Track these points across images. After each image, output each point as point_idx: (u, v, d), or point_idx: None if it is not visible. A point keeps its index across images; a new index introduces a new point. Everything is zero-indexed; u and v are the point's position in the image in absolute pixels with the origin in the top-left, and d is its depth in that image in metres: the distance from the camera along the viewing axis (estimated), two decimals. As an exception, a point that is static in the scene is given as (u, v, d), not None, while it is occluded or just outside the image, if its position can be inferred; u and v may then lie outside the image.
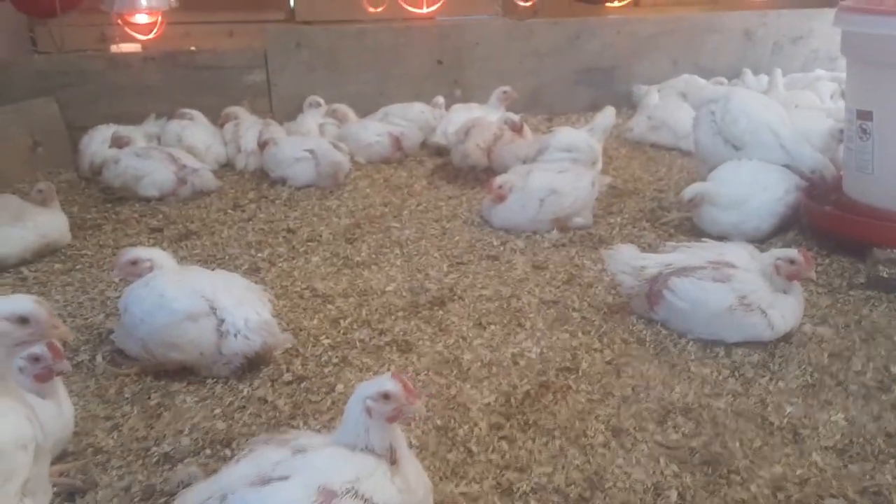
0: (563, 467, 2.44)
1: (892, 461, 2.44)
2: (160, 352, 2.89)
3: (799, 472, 2.39)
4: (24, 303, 1.84)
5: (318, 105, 6.45)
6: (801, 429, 2.62)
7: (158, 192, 5.04)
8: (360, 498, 1.84)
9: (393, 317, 3.48)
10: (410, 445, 2.29)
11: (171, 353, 2.89)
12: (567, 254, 4.19)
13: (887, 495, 2.27)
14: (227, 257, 4.19)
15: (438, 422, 2.68)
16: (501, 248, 4.28)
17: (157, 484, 2.26)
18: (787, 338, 3.18)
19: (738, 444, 2.54)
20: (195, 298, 2.90)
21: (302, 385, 2.91)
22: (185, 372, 2.95)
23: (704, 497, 2.29)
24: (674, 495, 2.30)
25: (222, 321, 2.87)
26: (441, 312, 3.52)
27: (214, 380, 2.92)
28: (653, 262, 3.39)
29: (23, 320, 1.81)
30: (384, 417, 1.95)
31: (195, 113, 6.08)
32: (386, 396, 1.94)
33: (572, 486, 2.34)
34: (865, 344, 3.16)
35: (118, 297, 3.16)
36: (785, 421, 2.66)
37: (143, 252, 3.19)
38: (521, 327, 3.39)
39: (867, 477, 2.37)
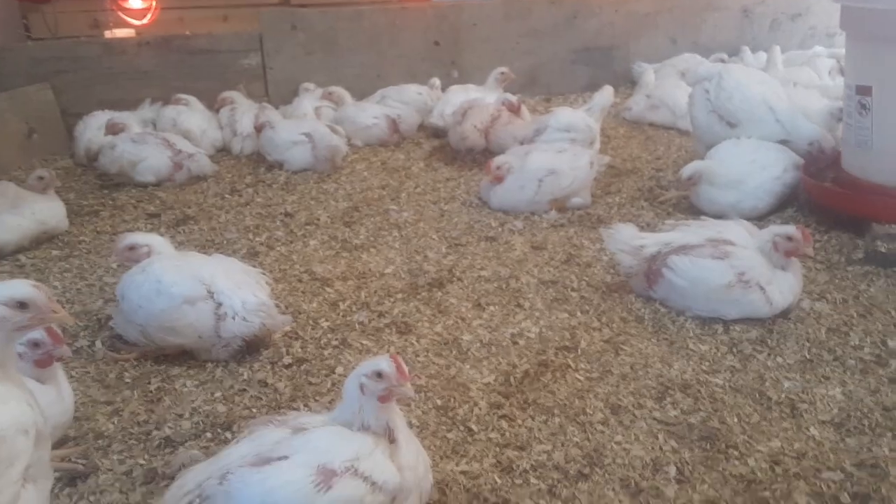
0: (563, 444, 2.45)
1: (889, 434, 2.46)
2: (159, 336, 2.90)
3: (796, 445, 2.40)
4: (22, 288, 1.84)
5: (312, 90, 6.42)
6: (799, 403, 2.63)
7: (155, 178, 5.03)
8: (359, 477, 1.86)
9: (392, 299, 3.48)
10: (411, 425, 2.30)
11: (170, 337, 2.89)
12: (565, 234, 4.19)
13: (884, 468, 2.28)
14: (224, 242, 4.18)
15: (438, 402, 2.69)
16: (500, 230, 4.28)
17: (159, 467, 2.27)
18: (785, 314, 3.18)
19: (735, 419, 2.56)
20: (193, 283, 2.90)
21: (302, 367, 2.92)
22: (184, 356, 2.96)
23: (703, 472, 2.31)
24: (672, 470, 2.31)
25: (220, 304, 2.87)
26: (440, 294, 3.52)
27: (214, 364, 2.92)
28: (651, 241, 3.39)
29: (22, 305, 1.81)
30: (376, 396, 1.97)
31: (190, 98, 6.05)
32: (379, 375, 1.96)
33: (572, 463, 2.36)
34: (863, 319, 3.16)
35: (116, 283, 3.16)
36: (783, 396, 2.67)
37: (140, 237, 3.19)
38: (520, 307, 3.39)
39: (864, 450, 2.38)
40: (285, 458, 1.86)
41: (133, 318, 2.93)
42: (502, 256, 3.92)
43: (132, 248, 3.12)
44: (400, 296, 3.51)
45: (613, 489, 2.24)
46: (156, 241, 3.17)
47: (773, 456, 2.35)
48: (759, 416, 2.58)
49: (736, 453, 2.38)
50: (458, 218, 4.46)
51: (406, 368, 2.00)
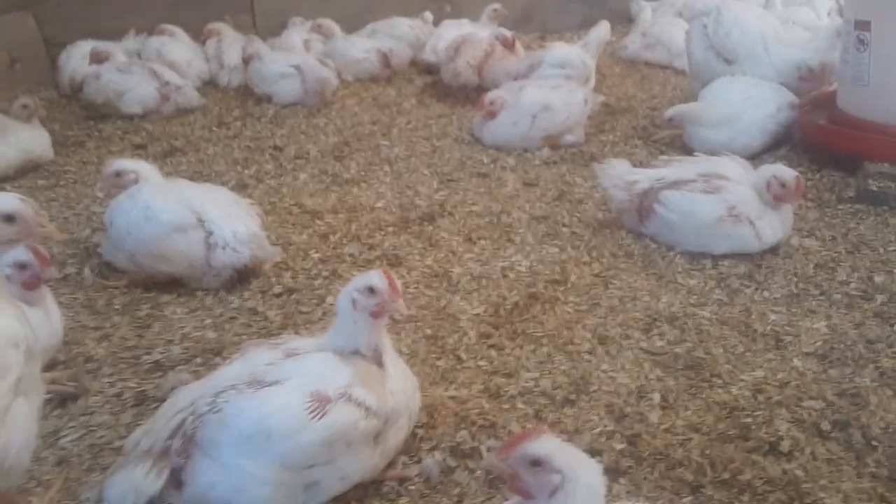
0: (550, 372, 2.48)
1: (871, 366, 2.50)
2: (148, 264, 2.88)
3: (780, 375, 2.44)
4: (9, 201, 1.81)
5: (300, 23, 6.26)
6: (784, 336, 2.66)
7: (141, 109, 4.93)
8: (352, 402, 1.87)
9: (382, 232, 3.47)
10: (401, 353, 2.32)
11: (160, 265, 2.88)
12: (558, 171, 4.16)
13: (865, 396, 2.33)
14: (213, 174, 4.13)
15: (428, 331, 2.71)
16: (492, 166, 4.24)
17: (149, 390, 2.29)
18: (773, 250, 3.19)
19: (721, 350, 2.59)
20: (183, 210, 2.87)
21: (292, 297, 2.92)
22: (174, 284, 2.95)
23: (686, 399, 2.35)
24: (657, 397, 2.35)
25: (210, 233, 2.85)
26: (431, 228, 3.51)
27: (204, 292, 2.92)
28: (644, 176, 3.37)
29: (9, 218, 1.79)
30: (368, 312, 1.96)
31: (175, 29, 5.88)
32: (371, 290, 1.96)
33: (558, 390, 2.39)
34: (851, 255, 3.18)
35: (104, 213, 3.13)
36: (768, 328, 2.71)
37: (127, 164, 3.14)
38: (511, 242, 3.39)
39: (846, 380, 2.43)
40: (278, 383, 1.86)
41: (122, 245, 2.91)
42: (494, 192, 3.89)
43: (119, 174, 3.07)
44: (391, 229, 3.50)
45: (598, 414, 2.28)
46: (144, 168, 3.12)
47: (757, 385, 2.39)
48: (743, 347, 2.61)
49: (720, 382, 2.42)
50: (450, 154, 4.41)
51: (398, 284, 1.98)
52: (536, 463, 1.51)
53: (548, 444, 1.54)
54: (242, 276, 2.97)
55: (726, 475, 1.99)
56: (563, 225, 3.54)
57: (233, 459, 1.77)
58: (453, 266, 3.18)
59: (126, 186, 3.02)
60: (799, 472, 2.00)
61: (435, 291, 2.99)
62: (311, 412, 1.80)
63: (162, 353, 2.50)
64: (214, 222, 2.87)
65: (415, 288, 3.01)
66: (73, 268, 3.11)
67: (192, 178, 3.97)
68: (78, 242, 3.32)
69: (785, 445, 2.10)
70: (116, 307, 2.82)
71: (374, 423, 1.89)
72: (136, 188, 2.98)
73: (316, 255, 3.25)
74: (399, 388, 2.01)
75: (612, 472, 2.00)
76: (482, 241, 3.38)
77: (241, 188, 3.91)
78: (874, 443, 2.13)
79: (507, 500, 1.62)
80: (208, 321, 2.73)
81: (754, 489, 1.95)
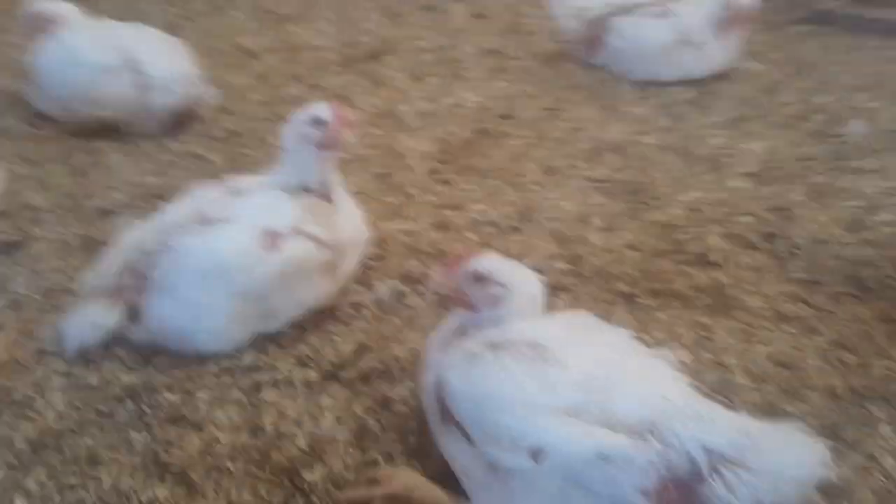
0: (498, 204, 2.53)
1: (802, 182, 2.60)
2: (81, 109, 2.76)
3: (715, 195, 2.54)
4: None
5: None
6: (722, 158, 2.74)
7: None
8: (304, 236, 1.89)
9: (326, 71, 3.36)
10: (351, 193, 2.32)
11: (93, 109, 2.76)
12: (508, 1, 4.00)
13: (793, 210, 2.45)
14: (137, 15, 3.85)
15: (377, 170, 2.70)
16: (438, -2, 4.06)
17: (95, 235, 2.27)
18: (721, 75, 3.20)
19: (661, 174, 2.66)
20: (110, 51, 2.72)
21: (235, 140, 2.86)
22: (109, 131, 2.84)
23: (626, 221, 2.44)
24: (598, 221, 2.43)
25: (142, 74, 2.72)
26: (377, 66, 3.40)
27: (143, 138, 2.83)
28: (596, 3, 3.27)
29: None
30: (316, 144, 1.93)
31: None
32: (317, 121, 1.92)
33: (505, 219, 2.45)
34: (795, 77, 3.22)
35: (28, 59, 2.93)
36: (708, 152, 2.77)
37: (48, 5, 2.90)
38: (459, 78, 3.33)
39: (777, 197, 2.54)
40: (229, 221, 1.85)
41: (51, 91, 2.77)
42: (441, 26, 3.76)
43: (40, 16, 2.85)
44: (334, 68, 3.38)
45: (544, 239, 2.36)
46: (66, 10, 2.89)
47: (693, 205, 2.49)
48: (683, 171, 2.68)
49: (658, 204, 2.51)
50: (394, -14, 4.18)
51: (346, 114, 1.94)
52: (479, 278, 1.58)
53: (489, 261, 1.60)
54: (181, 121, 2.88)
55: (658, 285, 2.12)
56: (513, 58, 3.47)
57: (189, 293, 1.80)
58: (400, 104, 3.13)
59: (48, 30, 2.81)
60: (725, 279, 2.14)
61: (382, 130, 2.96)
62: (266, 248, 1.83)
63: (103, 199, 2.46)
64: (145, 63, 2.73)
65: (362, 128, 2.95)
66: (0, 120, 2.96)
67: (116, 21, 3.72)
68: (2, 93, 3.14)
69: (714, 256, 2.22)
70: (51, 156, 2.73)
71: (327, 255, 1.93)
72: (61, 31, 2.78)
73: (256, 98, 3.15)
74: (348, 220, 2.04)
75: (555, 289, 2.11)
76: (430, 78, 3.31)
77: (170, 29, 3.66)
78: (798, 251, 2.27)
79: (453, 316, 1.70)
80: (149, 166, 2.67)
81: (684, 296, 2.08)
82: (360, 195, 2.51)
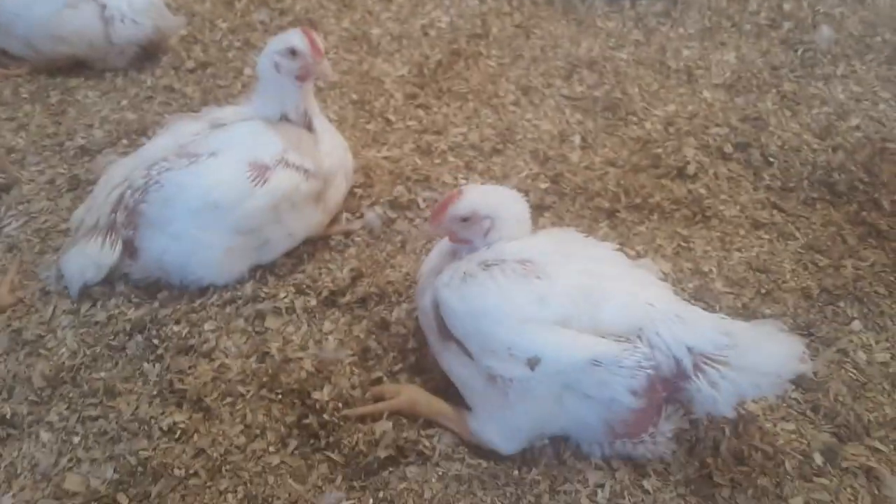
0: (477, 126, 2.56)
1: (773, 90, 2.67)
2: (46, 47, 2.68)
3: (690, 108, 2.60)
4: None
5: None
6: (695, 70, 2.78)
7: None
8: (290, 166, 1.90)
9: (292, -6, 3.27)
10: (330, 119, 2.32)
11: (59, 46, 2.68)
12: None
13: (766, 119, 2.52)
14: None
15: (354, 96, 2.70)
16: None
17: (81, 174, 2.27)
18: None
19: (636, 89, 2.70)
20: (70, -15, 2.61)
21: (207, 71, 2.81)
22: (80, 67, 2.77)
23: (604, 138, 2.50)
24: (577, 139, 2.49)
25: (104, 6, 2.64)
26: (344, -13, 3.32)
27: (113, 73, 2.77)
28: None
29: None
30: (293, 75, 1.93)
31: None
32: (292, 52, 1.90)
33: (486, 142, 2.48)
34: (765, -15, 3.22)
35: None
36: (681, 64, 2.81)
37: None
38: (429, -2, 3.26)
39: (750, 106, 2.61)
40: (213, 155, 1.85)
41: (14, 31, 2.67)
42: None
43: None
44: (304, -11, 3.29)
45: (524, 159, 2.41)
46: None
47: (668, 119, 2.55)
48: (658, 84, 2.73)
49: (635, 119, 2.57)
50: None
51: (320, 44, 1.93)
52: (465, 219, 1.62)
53: (469, 199, 1.62)
54: (149, 53, 2.82)
55: (638, 200, 2.20)
56: (483, -26, 3.40)
57: (183, 229, 1.83)
58: (371, 27, 3.08)
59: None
60: (702, 191, 2.23)
61: (356, 55, 2.93)
62: (253, 181, 1.84)
63: (84, 137, 2.44)
64: (107, -6, 2.64)
65: (335, 53, 2.93)
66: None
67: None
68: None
69: (691, 169, 2.31)
70: (24, 96, 2.66)
71: (314, 184, 1.95)
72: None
73: (224, 25, 3.07)
74: (331, 149, 2.06)
75: (538, 209, 2.18)
76: (401, -2, 3.25)
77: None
78: (771, 159, 2.36)
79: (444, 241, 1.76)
80: (124, 102, 2.63)
81: (663, 209, 2.17)
82: (340, 123, 2.54)
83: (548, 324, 1.50)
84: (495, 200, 1.65)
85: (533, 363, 1.49)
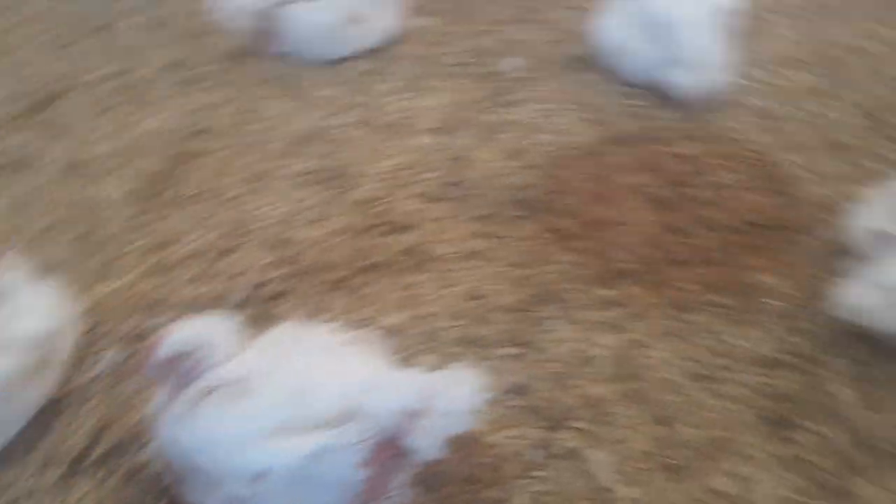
0: (208, 228, 2.54)
1: (473, 125, 2.90)
2: None
3: (403, 159, 2.76)
4: None
5: None
6: (405, 120, 2.96)
7: None
8: None
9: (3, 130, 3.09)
10: (45, 272, 2.19)
11: None
12: (182, 6, 3.87)
13: (469, 154, 2.74)
14: None
15: (73, 234, 2.54)
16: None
17: None
18: (392, 38, 3.40)
19: (355, 153, 2.82)
20: None
21: None
22: None
23: (332, 207, 2.57)
24: (308, 215, 2.55)
25: None
26: (53, 113, 3.19)
27: None
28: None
29: None
30: None
31: None
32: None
33: (216, 243, 2.47)
34: (463, 23, 3.51)
35: None
36: (392, 118, 2.98)
37: None
38: (145, 103, 3.22)
39: (454, 145, 2.81)
40: None
41: None
42: (114, 48, 3.58)
43: None
44: (13, 123, 3.12)
45: (258, 251, 2.43)
46: None
47: (385, 175, 2.70)
48: (373, 143, 2.86)
49: (356, 182, 2.68)
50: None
51: None
52: (172, 359, 1.62)
53: (170, 338, 1.63)
54: None
55: (365, 262, 2.32)
56: (197, 66, 3.42)
57: None
58: (86, 150, 2.97)
59: None
60: (419, 238, 2.40)
61: (71, 186, 2.79)
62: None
63: None
64: None
65: (48, 190, 2.78)
66: None
67: None
68: None
69: (408, 220, 2.47)
70: None
71: (26, 359, 1.86)
72: None
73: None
74: (30, 311, 1.95)
75: (276, 298, 2.23)
76: (111, 112, 3.17)
77: None
78: (475, 191, 2.57)
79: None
80: None
81: (388, 265, 2.31)
82: (58, 270, 2.36)
83: (267, 435, 1.55)
84: (199, 328, 1.68)
85: (258, 478, 1.53)
